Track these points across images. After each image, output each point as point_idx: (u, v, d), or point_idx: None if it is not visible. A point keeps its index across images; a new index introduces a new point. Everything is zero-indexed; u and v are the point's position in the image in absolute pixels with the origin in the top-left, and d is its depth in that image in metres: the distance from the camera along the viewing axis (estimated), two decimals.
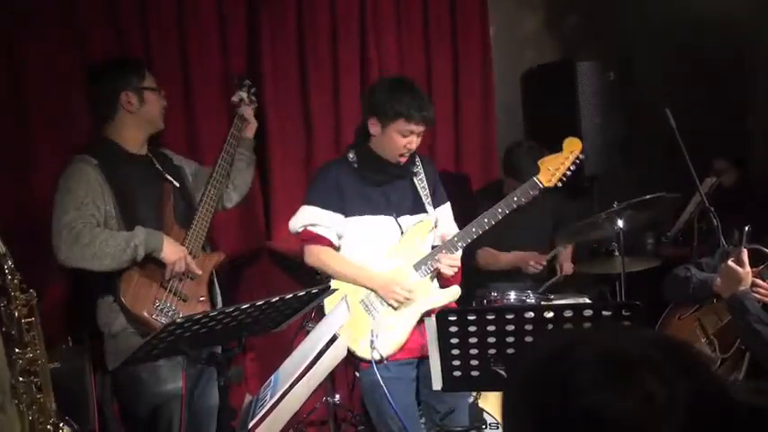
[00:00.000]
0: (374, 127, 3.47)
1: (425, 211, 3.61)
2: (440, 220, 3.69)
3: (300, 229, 3.54)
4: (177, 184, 3.51)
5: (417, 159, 3.66)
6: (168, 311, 3.25)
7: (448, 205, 3.77)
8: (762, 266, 3.25)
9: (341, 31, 4.72)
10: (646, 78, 5.39)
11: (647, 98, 5.12)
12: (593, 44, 5.49)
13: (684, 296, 3.55)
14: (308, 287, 2.85)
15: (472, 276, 4.56)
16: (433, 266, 3.54)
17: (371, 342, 3.25)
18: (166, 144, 3.83)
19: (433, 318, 2.72)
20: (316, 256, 3.54)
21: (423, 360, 3.47)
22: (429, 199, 3.64)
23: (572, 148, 3.62)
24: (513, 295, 4.12)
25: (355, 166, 3.55)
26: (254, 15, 4.55)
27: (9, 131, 4.01)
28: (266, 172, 4.51)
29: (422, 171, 3.66)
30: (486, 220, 3.52)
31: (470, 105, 5.12)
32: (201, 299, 3.37)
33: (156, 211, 3.37)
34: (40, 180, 3.96)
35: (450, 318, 2.70)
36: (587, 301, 4.24)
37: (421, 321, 3.50)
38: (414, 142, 3.48)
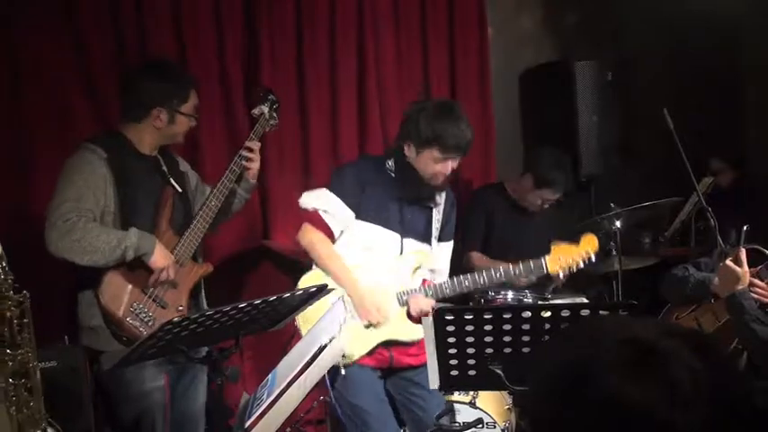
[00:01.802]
0: (408, 150, 3.44)
1: (430, 244, 3.59)
2: (436, 255, 3.65)
3: (311, 209, 3.49)
4: (180, 190, 3.48)
5: (444, 191, 3.62)
6: (144, 317, 3.21)
7: (450, 244, 3.72)
8: (760, 266, 3.25)
9: (339, 32, 4.72)
10: (643, 78, 5.40)
11: (645, 98, 5.13)
12: (590, 44, 5.50)
13: (682, 296, 3.56)
14: None
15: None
16: None
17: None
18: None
19: (430, 317, 2.72)
20: (311, 239, 3.49)
21: (390, 372, 3.51)
22: (438, 232, 3.61)
23: (588, 246, 3.56)
24: (510, 295, 4.12)
25: (392, 174, 3.51)
26: (251, 16, 4.55)
27: (8, 132, 4.01)
28: (263, 173, 4.50)
29: (443, 203, 3.63)
30: (482, 279, 3.49)
31: (468, 105, 5.09)
32: (180, 308, 3.31)
33: (154, 213, 3.34)
34: (38, 180, 3.96)
35: (447, 317, 2.70)
36: (585, 300, 4.25)
37: (384, 345, 3.47)
38: (448, 168, 3.43)
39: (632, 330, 1.07)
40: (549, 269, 3.55)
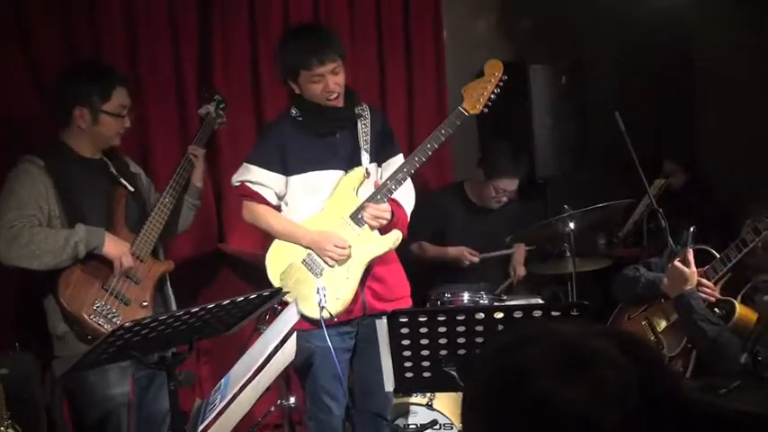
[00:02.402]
0: (294, 87, 3.44)
1: (361, 163, 3.48)
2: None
3: (238, 184, 3.50)
4: (132, 189, 3.46)
5: (365, 106, 3.57)
6: (107, 314, 3.19)
7: (401, 157, 3.62)
8: (707, 266, 3.31)
9: None
10: (597, 81, 5.46)
11: (599, 100, 5.18)
12: (545, 48, 5.55)
13: (633, 296, 3.60)
14: (259, 290, 2.85)
15: (426, 277, 4.59)
16: None
17: (319, 301, 3.16)
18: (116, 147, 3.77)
19: (384, 319, 2.73)
20: (251, 211, 3.50)
21: (364, 320, 3.43)
22: (367, 146, 3.50)
23: (493, 70, 3.45)
24: (466, 296, 4.14)
25: (300, 119, 3.47)
26: (206, 20, 4.54)
27: None
28: (218, 174, 4.49)
29: (368, 118, 3.54)
30: (416, 158, 3.38)
31: (424, 107, 5.14)
32: (144, 304, 3.30)
33: (106, 214, 3.33)
34: None
35: (401, 319, 2.71)
36: (540, 301, 4.30)
37: (367, 273, 3.44)
38: (332, 81, 3.37)
39: (563, 332, 1.10)
40: (470, 111, 3.42)
